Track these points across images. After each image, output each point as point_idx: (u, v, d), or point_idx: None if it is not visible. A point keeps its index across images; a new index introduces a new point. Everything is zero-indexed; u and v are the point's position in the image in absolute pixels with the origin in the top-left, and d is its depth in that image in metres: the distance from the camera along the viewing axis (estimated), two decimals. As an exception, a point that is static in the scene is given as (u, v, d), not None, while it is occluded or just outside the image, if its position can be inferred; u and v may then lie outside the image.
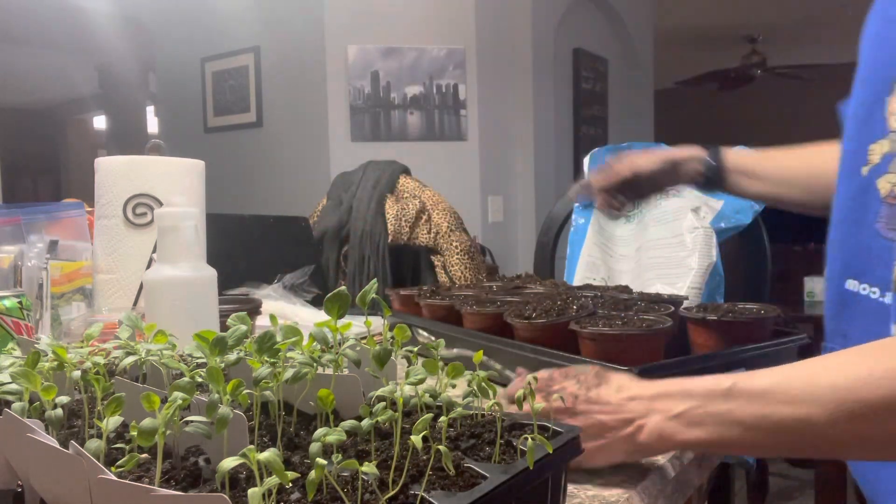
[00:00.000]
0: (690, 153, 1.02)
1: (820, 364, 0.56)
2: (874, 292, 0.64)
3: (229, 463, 0.36)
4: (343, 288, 0.51)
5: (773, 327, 0.90)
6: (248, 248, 1.73)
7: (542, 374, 0.66)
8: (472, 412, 0.54)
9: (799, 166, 0.95)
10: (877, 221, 0.64)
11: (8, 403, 0.49)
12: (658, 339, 0.78)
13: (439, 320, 1.07)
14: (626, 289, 1.14)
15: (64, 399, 0.48)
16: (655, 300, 1.00)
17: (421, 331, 0.97)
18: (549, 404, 0.60)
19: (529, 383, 0.50)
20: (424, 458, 0.43)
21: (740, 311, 0.88)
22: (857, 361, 0.53)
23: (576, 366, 0.67)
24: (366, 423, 0.44)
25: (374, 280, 0.57)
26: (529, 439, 0.44)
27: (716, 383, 0.57)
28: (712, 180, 1.00)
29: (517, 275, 1.40)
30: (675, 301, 0.99)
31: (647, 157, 1.03)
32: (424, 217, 1.97)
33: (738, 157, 1.00)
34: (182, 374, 0.51)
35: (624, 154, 1.07)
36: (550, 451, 0.46)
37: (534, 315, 0.88)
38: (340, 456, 0.39)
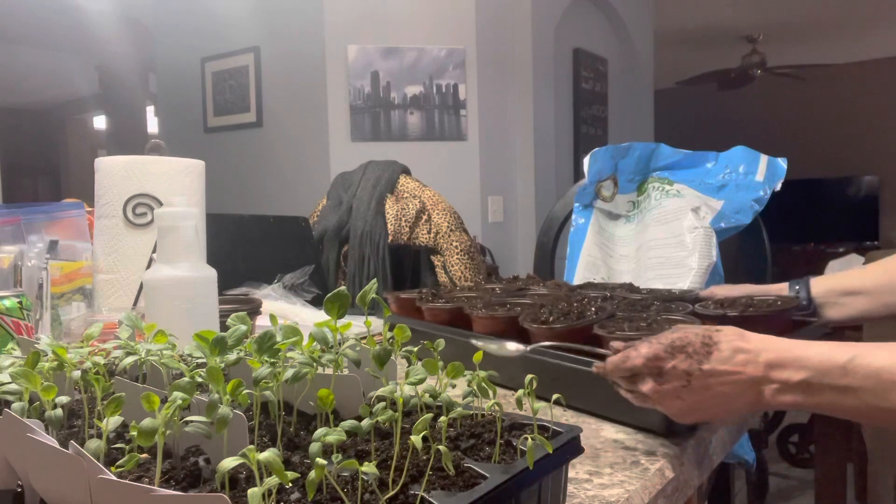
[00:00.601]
0: (777, 288, 0.98)
1: None
2: None
3: (229, 463, 0.36)
4: (343, 288, 0.51)
5: (794, 318, 0.89)
6: (248, 248, 1.73)
7: (644, 349, 0.64)
8: (472, 412, 0.54)
9: None
10: None
11: (8, 403, 0.49)
12: None
13: (443, 324, 1.03)
14: (630, 286, 1.13)
15: (64, 399, 0.48)
16: (668, 298, 0.99)
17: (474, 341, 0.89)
18: (665, 385, 0.62)
19: (531, 382, 0.50)
20: (424, 458, 0.43)
21: (758, 304, 0.87)
22: None
23: (679, 331, 0.64)
24: (366, 423, 0.44)
25: (374, 280, 0.57)
26: (529, 439, 0.44)
27: (832, 356, 0.59)
28: (804, 308, 0.96)
29: (515, 276, 1.39)
30: (687, 297, 0.98)
31: (732, 292, 0.99)
32: (424, 217, 1.97)
33: (830, 282, 0.96)
34: (182, 374, 0.51)
35: (710, 289, 1.04)
36: (550, 451, 0.46)
37: (551, 318, 0.85)
38: (340, 456, 0.39)
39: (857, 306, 0.94)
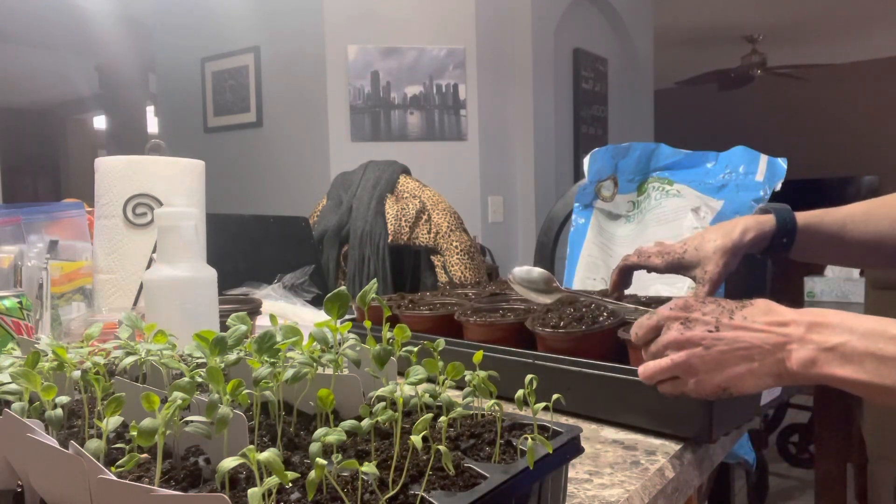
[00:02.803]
0: (760, 230, 0.86)
1: None
2: None
3: (229, 463, 0.36)
4: (343, 288, 0.51)
5: None
6: (248, 248, 1.73)
7: (675, 302, 0.61)
8: (472, 412, 0.54)
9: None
10: None
11: (8, 403, 0.49)
12: None
13: (424, 332, 0.95)
14: (603, 292, 1.10)
15: (64, 399, 0.48)
16: (662, 302, 0.97)
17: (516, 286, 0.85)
18: (689, 332, 0.58)
19: (531, 382, 0.50)
20: (424, 458, 0.43)
21: None
22: None
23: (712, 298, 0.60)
24: (366, 423, 0.44)
25: (374, 280, 0.57)
26: (529, 439, 0.44)
27: (883, 325, 0.53)
28: (777, 251, 0.88)
29: (476, 281, 1.37)
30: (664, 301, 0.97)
31: (713, 245, 0.87)
32: (424, 217, 1.97)
33: (814, 225, 0.87)
34: (182, 374, 0.51)
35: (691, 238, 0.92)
36: (550, 451, 0.46)
37: (561, 323, 0.82)
38: (340, 456, 0.39)
39: (833, 257, 0.90)
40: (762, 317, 0.57)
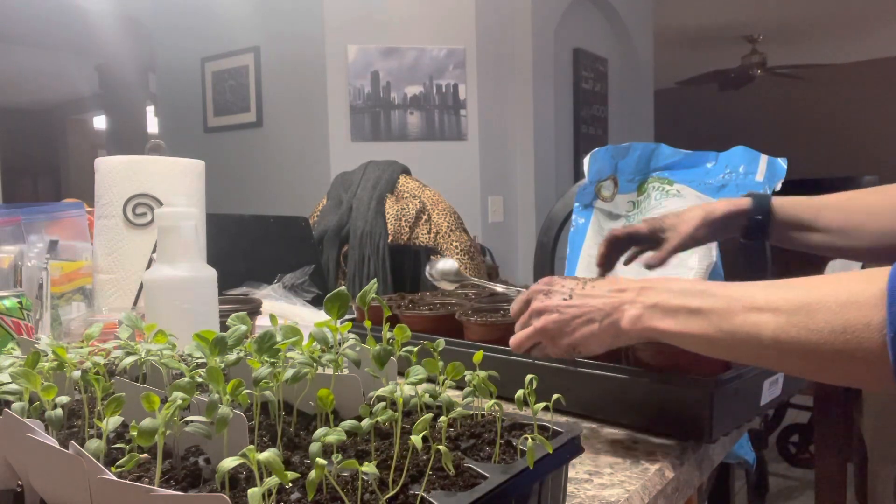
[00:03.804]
0: (735, 205, 0.94)
1: (792, 281, 0.56)
2: None
3: (229, 463, 0.36)
4: (343, 288, 0.51)
5: None
6: (248, 248, 1.73)
7: (543, 278, 0.70)
8: (472, 412, 0.54)
9: (872, 212, 0.90)
10: None
11: (8, 403, 0.49)
12: None
13: (426, 332, 0.94)
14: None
15: (64, 399, 0.48)
16: None
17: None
18: (549, 300, 0.67)
19: (531, 382, 0.50)
20: (424, 458, 0.43)
21: None
22: (820, 282, 0.53)
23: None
24: (366, 423, 0.44)
25: (374, 280, 0.57)
26: (529, 439, 0.44)
27: (695, 283, 0.61)
28: (755, 233, 0.94)
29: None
30: None
31: (692, 213, 0.95)
32: (424, 217, 1.97)
33: (789, 208, 0.94)
34: (182, 374, 0.51)
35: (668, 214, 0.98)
36: (550, 451, 0.46)
37: None
38: (340, 456, 0.39)
39: (812, 241, 0.94)
40: (607, 286, 0.65)
